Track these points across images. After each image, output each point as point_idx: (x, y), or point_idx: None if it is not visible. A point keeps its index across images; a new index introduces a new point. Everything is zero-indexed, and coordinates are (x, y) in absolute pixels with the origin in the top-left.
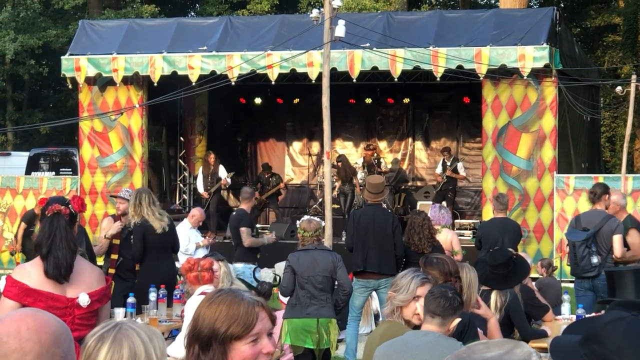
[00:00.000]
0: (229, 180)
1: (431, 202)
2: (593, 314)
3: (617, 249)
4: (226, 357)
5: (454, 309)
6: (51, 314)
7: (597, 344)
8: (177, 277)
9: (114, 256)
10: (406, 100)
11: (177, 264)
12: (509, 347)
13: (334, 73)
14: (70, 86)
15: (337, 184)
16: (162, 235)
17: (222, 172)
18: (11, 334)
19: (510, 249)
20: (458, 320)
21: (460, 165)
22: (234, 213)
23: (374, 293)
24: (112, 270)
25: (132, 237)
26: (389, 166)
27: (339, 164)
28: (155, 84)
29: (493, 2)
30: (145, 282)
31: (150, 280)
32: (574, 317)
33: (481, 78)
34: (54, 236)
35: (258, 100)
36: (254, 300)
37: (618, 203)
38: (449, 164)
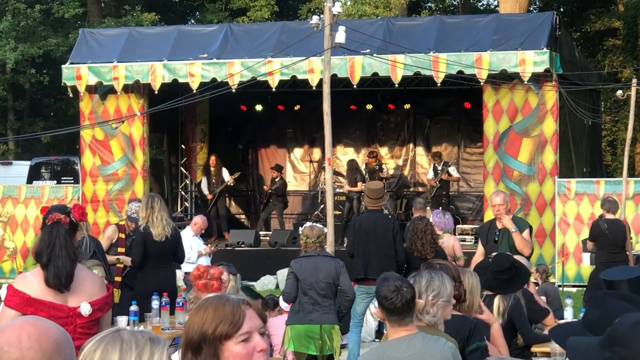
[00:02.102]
0: (234, 180)
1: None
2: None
3: None
4: (219, 359)
5: (413, 298)
6: (51, 321)
7: (622, 347)
8: (177, 286)
9: (120, 265)
10: (407, 106)
11: (179, 273)
12: None
13: (334, 79)
14: (71, 95)
15: (346, 188)
16: (161, 243)
17: (226, 174)
18: (12, 343)
19: (509, 253)
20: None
21: (452, 168)
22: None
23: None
24: (118, 279)
25: None
26: (391, 172)
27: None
28: (156, 92)
29: (493, 7)
30: (143, 289)
31: (148, 288)
32: None
33: (482, 83)
34: (53, 245)
35: (259, 107)
36: (240, 299)
37: (508, 202)
38: (439, 168)
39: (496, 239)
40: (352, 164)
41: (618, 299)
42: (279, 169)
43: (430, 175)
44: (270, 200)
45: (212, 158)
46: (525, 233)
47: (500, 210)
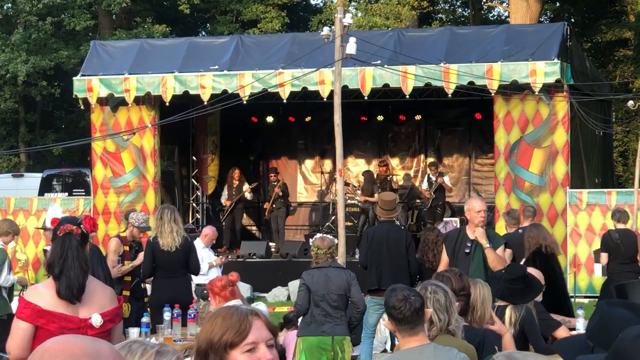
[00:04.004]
0: (251, 190)
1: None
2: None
3: None
4: None
5: (422, 307)
6: (90, 338)
7: None
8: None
9: (127, 278)
10: (418, 117)
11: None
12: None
13: (345, 91)
14: (82, 107)
15: (361, 198)
16: (169, 253)
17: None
18: (35, 354)
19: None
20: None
21: (446, 178)
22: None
23: None
24: (126, 293)
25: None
26: (401, 183)
27: (363, 178)
28: (167, 104)
29: (504, 18)
30: (155, 300)
31: (159, 298)
32: None
33: (493, 94)
34: (65, 256)
35: (270, 119)
36: (248, 309)
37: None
38: (434, 179)
39: (467, 251)
40: (369, 175)
41: (617, 306)
42: (275, 171)
43: (425, 185)
44: (274, 206)
45: (236, 172)
46: (500, 250)
47: (484, 217)
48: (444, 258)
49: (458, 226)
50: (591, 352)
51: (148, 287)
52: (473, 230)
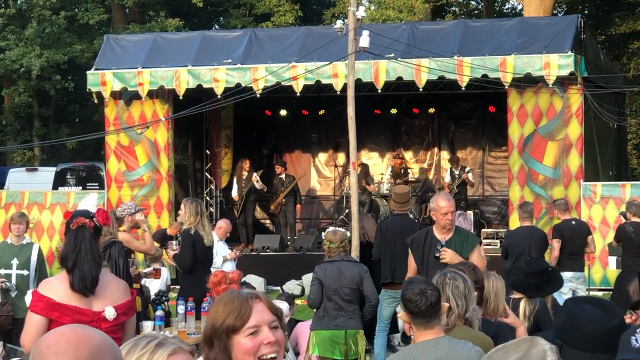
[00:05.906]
0: (259, 178)
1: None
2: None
3: None
4: (229, 353)
5: (439, 300)
6: (99, 330)
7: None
8: None
9: (136, 271)
10: (431, 110)
11: None
12: (525, 348)
13: (358, 84)
14: (96, 101)
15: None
16: (208, 247)
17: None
18: (51, 346)
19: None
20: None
21: (470, 174)
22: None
23: None
24: (137, 285)
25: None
26: (416, 176)
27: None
28: (181, 97)
29: (517, 10)
30: (197, 294)
31: (200, 293)
32: None
33: (506, 87)
34: (79, 249)
35: (283, 112)
36: (249, 293)
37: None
38: (457, 173)
39: (437, 254)
40: (364, 168)
41: (583, 303)
42: (283, 164)
43: (447, 179)
44: (284, 201)
45: (246, 162)
46: (477, 250)
47: (451, 220)
48: (412, 265)
49: (472, 219)
50: (560, 350)
51: None
52: (441, 231)
